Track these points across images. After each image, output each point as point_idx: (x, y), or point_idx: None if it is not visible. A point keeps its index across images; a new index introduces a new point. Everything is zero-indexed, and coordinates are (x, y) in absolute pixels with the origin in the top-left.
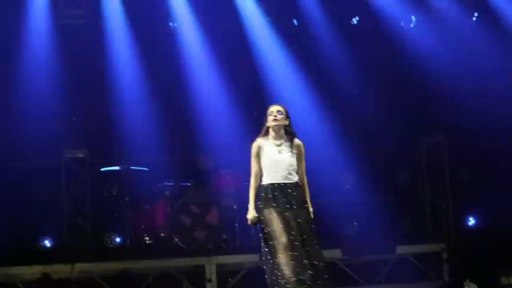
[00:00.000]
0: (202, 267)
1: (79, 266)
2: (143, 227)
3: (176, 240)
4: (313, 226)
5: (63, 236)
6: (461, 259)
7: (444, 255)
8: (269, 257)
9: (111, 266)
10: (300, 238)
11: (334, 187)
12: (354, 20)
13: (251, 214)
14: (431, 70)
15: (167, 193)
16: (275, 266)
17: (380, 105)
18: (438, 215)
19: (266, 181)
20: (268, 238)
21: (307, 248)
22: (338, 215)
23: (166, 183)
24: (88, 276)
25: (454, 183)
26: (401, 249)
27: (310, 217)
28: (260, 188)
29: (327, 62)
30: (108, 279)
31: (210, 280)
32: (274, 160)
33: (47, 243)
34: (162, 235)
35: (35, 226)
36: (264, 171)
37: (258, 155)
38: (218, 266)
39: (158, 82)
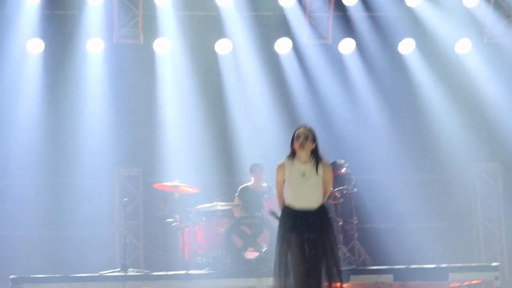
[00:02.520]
0: None
1: (130, 284)
2: (195, 247)
3: (227, 260)
4: (334, 248)
5: (115, 254)
6: None
7: (497, 283)
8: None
9: (162, 285)
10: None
11: (387, 212)
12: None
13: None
14: (484, 96)
15: (220, 213)
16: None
17: (434, 130)
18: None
19: (288, 202)
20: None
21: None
22: (390, 240)
23: (218, 203)
24: None
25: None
26: (454, 276)
27: (330, 241)
28: (283, 210)
29: (382, 87)
30: None
31: None
32: (298, 183)
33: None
34: (213, 255)
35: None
36: (288, 193)
37: (283, 177)
38: (268, 287)
39: (208, 101)
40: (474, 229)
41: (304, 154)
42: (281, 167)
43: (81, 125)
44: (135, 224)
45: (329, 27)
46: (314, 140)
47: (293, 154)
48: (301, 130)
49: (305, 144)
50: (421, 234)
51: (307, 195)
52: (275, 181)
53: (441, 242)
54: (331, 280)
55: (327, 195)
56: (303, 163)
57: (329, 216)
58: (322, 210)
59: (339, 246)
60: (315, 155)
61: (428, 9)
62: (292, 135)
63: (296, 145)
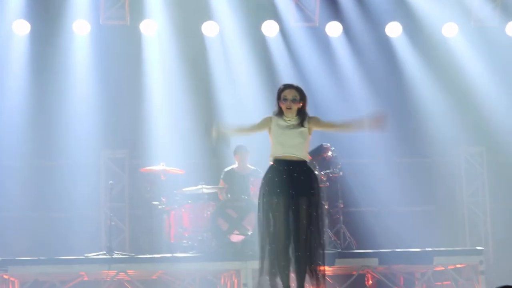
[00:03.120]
0: (238, 272)
1: (115, 267)
2: (181, 230)
3: (213, 243)
4: (316, 214)
5: (100, 236)
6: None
7: (482, 267)
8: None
9: (147, 268)
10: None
11: (372, 196)
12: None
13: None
14: (471, 80)
15: (205, 196)
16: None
17: (419, 114)
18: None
19: (273, 154)
20: (263, 232)
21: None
22: (375, 224)
23: (204, 186)
24: (124, 278)
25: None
26: (438, 260)
27: (314, 204)
28: (269, 168)
29: (369, 70)
30: (145, 282)
31: (245, 285)
32: (283, 132)
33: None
34: (199, 238)
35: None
36: (272, 145)
37: (263, 124)
38: (254, 271)
39: (195, 83)
40: (459, 213)
41: (291, 113)
42: (268, 118)
43: (66, 107)
44: (120, 206)
45: (316, 10)
46: (301, 99)
47: (280, 112)
48: (287, 91)
49: (292, 107)
50: (406, 218)
51: (292, 143)
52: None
53: (426, 226)
54: (314, 263)
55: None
56: (289, 118)
57: (316, 177)
58: (307, 167)
59: (325, 228)
60: (301, 113)
61: None
62: (277, 92)
63: (283, 106)
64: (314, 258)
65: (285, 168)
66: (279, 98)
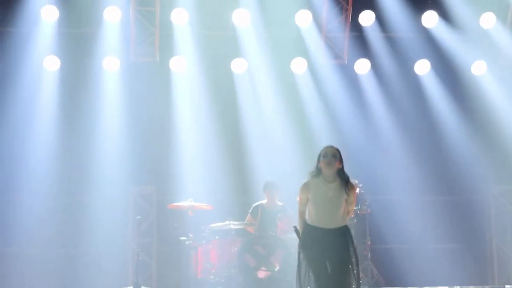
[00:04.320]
0: None
1: None
2: (208, 265)
3: (240, 280)
4: (354, 268)
5: (128, 272)
6: None
7: None
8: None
9: None
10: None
11: (400, 233)
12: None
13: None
14: (500, 118)
15: (233, 232)
16: None
17: (448, 151)
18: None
19: (311, 221)
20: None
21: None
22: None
23: (231, 222)
24: None
25: None
26: None
27: (350, 260)
28: (305, 227)
29: (398, 107)
30: None
31: None
32: (322, 203)
33: None
34: (226, 274)
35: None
36: (310, 212)
37: (307, 196)
38: None
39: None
40: (488, 251)
41: (330, 173)
42: (305, 186)
43: (96, 143)
44: (148, 242)
45: (345, 47)
46: (341, 159)
47: (318, 173)
48: (328, 149)
49: (332, 163)
50: (434, 256)
51: (331, 215)
52: (288, 200)
53: (455, 264)
54: None
55: (351, 215)
56: (329, 183)
57: (351, 236)
58: (344, 230)
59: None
60: (341, 175)
61: (444, 30)
62: (318, 154)
63: (323, 164)
64: None
65: (322, 232)
66: (318, 158)
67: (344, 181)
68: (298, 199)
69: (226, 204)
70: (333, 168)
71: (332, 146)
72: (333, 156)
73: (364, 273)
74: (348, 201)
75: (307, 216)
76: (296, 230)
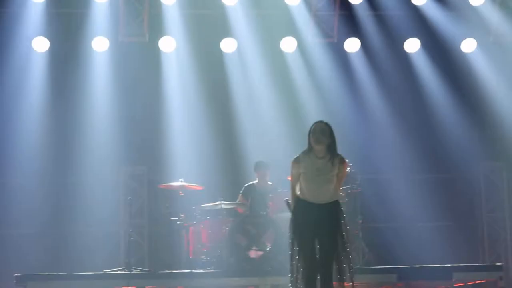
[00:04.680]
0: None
1: (134, 283)
2: (199, 245)
3: (231, 259)
4: (345, 246)
5: (119, 252)
6: None
7: (502, 283)
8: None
9: (166, 283)
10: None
11: (391, 212)
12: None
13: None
14: (490, 96)
15: (224, 212)
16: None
17: (438, 130)
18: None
19: (302, 196)
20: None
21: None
22: (394, 240)
23: (222, 202)
24: None
25: None
26: (458, 276)
27: (341, 236)
28: (296, 201)
29: (388, 86)
30: None
31: None
32: (313, 178)
33: None
34: (218, 254)
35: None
36: (302, 187)
37: (298, 171)
38: (272, 286)
39: (213, 99)
40: (479, 229)
41: (320, 148)
42: (296, 161)
43: (86, 124)
44: (139, 222)
45: (335, 26)
46: (330, 135)
47: (309, 149)
48: (317, 125)
49: (320, 139)
50: (425, 234)
51: (322, 190)
52: (279, 180)
53: (445, 242)
54: (341, 279)
55: (339, 189)
56: (319, 158)
57: (342, 211)
58: (335, 205)
59: (350, 245)
60: (331, 150)
61: (434, 8)
62: (308, 130)
63: (312, 139)
64: (342, 273)
65: (314, 207)
66: (309, 134)
67: (335, 155)
68: (289, 178)
69: (217, 184)
70: (323, 143)
71: (321, 122)
72: (322, 132)
73: (356, 252)
74: (338, 176)
75: (298, 192)
76: (288, 204)
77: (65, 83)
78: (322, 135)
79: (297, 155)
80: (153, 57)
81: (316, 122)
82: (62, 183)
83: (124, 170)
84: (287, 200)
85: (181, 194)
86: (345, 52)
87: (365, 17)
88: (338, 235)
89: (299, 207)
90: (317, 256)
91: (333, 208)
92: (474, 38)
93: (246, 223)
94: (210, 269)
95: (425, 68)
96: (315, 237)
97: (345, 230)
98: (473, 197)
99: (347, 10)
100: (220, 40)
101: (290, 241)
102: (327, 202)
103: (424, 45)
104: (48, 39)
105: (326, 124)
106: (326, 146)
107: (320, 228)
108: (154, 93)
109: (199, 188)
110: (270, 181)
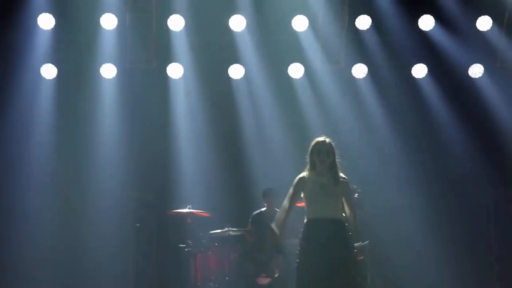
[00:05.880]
0: None
1: None
2: (207, 272)
3: (240, 286)
4: (353, 265)
5: (128, 279)
6: None
7: None
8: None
9: None
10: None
11: (399, 237)
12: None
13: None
14: (498, 120)
15: (232, 238)
16: None
17: (446, 155)
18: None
19: (309, 215)
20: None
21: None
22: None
23: (230, 229)
24: None
25: None
26: None
27: (349, 257)
28: (305, 223)
29: (395, 111)
30: None
31: None
32: (317, 196)
33: None
34: (226, 280)
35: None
36: (308, 206)
37: (299, 190)
38: None
39: (221, 126)
40: (488, 254)
41: (323, 167)
42: (301, 179)
43: (94, 150)
44: (148, 249)
45: (342, 52)
46: (333, 153)
47: (312, 167)
48: (322, 146)
49: (326, 160)
50: (431, 259)
51: (327, 206)
52: None
53: (455, 268)
54: None
55: (351, 206)
56: (322, 176)
57: (347, 228)
58: (342, 223)
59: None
60: (333, 168)
61: (441, 33)
62: (311, 148)
63: (317, 160)
64: None
65: (321, 224)
66: (311, 153)
67: (337, 173)
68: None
69: (225, 211)
70: (326, 162)
71: (324, 141)
72: (327, 153)
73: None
74: (345, 196)
75: (305, 214)
76: (271, 229)
77: (74, 110)
78: (327, 156)
79: (302, 175)
80: (161, 84)
81: (319, 142)
82: (70, 210)
83: (132, 196)
84: (269, 225)
85: (189, 221)
86: (352, 78)
87: (373, 43)
88: (345, 251)
89: (308, 227)
90: (325, 275)
91: (340, 226)
92: (481, 63)
93: (255, 250)
94: None
95: (432, 93)
96: (323, 255)
97: (353, 246)
98: (483, 223)
99: (355, 36)
100: (228, 67)
101: (298, 263)
102: (334, 218)
103: (431, 70)
104: (56, 66)
105: (330, 143)
106: (329, 163)
107: (328, 245)
108: (162, 119)
109: (206, 214)
110: (278, 208)
